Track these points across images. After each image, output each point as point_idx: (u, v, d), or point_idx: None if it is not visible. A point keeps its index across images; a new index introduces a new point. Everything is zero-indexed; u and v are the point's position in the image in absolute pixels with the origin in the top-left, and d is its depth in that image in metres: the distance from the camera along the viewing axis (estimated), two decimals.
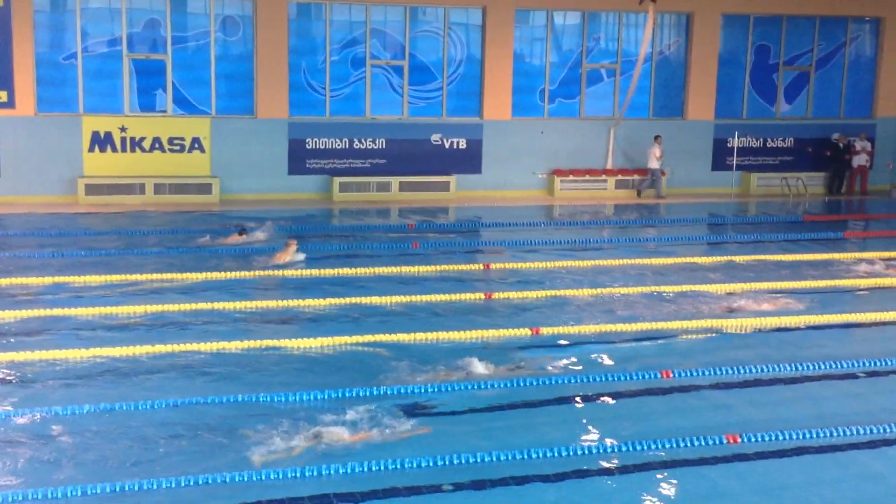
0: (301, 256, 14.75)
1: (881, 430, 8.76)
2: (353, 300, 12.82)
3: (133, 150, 20.54)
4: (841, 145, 23.91)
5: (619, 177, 22.90)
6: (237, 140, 21.05)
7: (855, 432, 8.70)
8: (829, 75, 24.59)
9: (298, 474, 7.62)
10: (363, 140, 21.82)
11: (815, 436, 8.61)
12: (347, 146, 21.74)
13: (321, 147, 21.58)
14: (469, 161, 22.41)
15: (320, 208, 20.49)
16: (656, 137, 22.57)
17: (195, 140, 20.84)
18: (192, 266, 14.40)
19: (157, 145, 20.66)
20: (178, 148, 20.80)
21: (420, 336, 11.27)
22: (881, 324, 12.52)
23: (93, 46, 20.40)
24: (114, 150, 20.42)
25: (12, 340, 10.88)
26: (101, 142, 20.35)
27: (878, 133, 24.48)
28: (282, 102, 21.25)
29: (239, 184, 21.07)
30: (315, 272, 14.22)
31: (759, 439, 8.49)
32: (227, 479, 7.47)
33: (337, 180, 21.38)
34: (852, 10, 24.23)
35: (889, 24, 24.43)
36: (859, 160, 23.90)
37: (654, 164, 22.58)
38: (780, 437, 8.54)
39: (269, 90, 21.15)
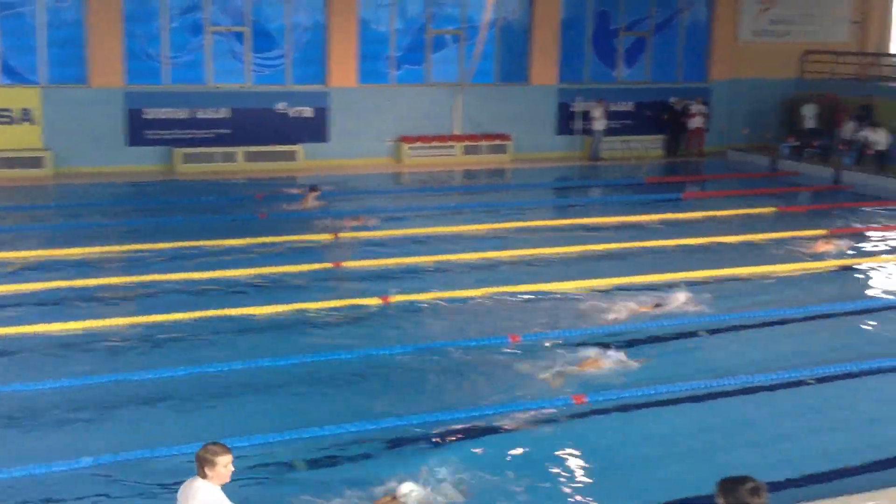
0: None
1: None
2: None
3: None
4: (678, 108, 24.67)
5: (467, 142, 22.99)
6: (71, 111, 20.03)
7: None
8: (667, 40, 25.25)
9: None
10: (206, 109, 21.14)
11: None
12: (189, 116, 21.02)
13: (161, 117, 20.78)
14: (316, 129, 22.03)
15: (165, 180, 19.76)
16: (600, 100, 23.16)
17: (24, 111, 19.75)
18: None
19: None
20: (6, 120, 19.68)
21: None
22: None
23: None
24: None
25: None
26: None
27: (713, 96, 25.33)
28: (116, 71, 20.34)
29: (75, 157, 20.09)
30: None
31: None
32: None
33: (179, 151, 20.67)
34: None
35: None
36: (695, 123, 24.69)
37: (596, 126, 23.33)
38: None
39: (102, 58, 20.19)
